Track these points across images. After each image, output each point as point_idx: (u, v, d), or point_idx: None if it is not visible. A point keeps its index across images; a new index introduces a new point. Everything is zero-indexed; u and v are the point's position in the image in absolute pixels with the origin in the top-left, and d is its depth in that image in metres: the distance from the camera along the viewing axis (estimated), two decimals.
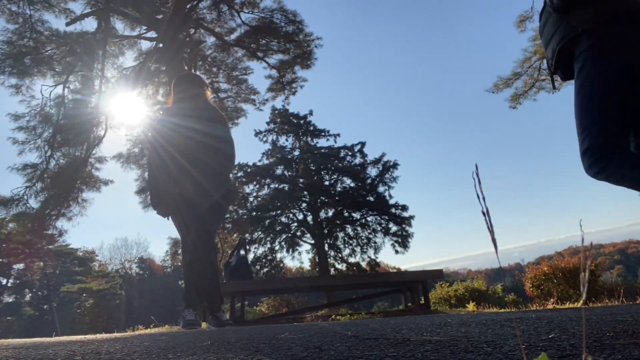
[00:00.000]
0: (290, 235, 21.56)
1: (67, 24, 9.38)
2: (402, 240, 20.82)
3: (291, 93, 12.14)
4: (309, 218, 21.93)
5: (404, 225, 21.03)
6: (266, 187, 21.72)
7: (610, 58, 1.47)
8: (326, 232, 21.56)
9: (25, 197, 9.28)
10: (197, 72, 10.91)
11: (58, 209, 9.62)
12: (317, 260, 20.98)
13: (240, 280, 4.55)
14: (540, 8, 1.73)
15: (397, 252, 20.90)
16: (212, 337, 1.48)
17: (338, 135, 23.37)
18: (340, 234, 21.93)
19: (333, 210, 22.10)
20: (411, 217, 21.01)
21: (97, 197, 26.22)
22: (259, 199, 21.29)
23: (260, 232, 21.00)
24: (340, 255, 21.56)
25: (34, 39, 9.25)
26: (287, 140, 23.45)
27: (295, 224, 21.91)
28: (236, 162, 22.82)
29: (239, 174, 21.15)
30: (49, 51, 9.53)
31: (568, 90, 9.91)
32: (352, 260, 21.41)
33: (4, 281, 31.28)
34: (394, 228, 21.26)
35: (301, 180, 22.02)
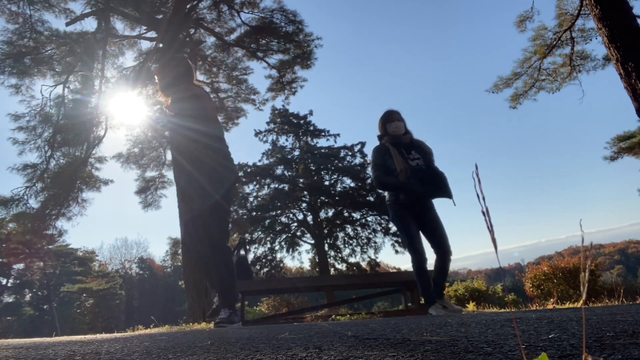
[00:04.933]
0: (290, 235, 21.56)
1: (67, 24, 9.38)
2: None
3: (291, 93, 12.15)
4: (309, 218, 21.92)
5: None
6: (266, 187, 21.73)
7: (397, 216, 3.47)
8: (326, 232, 21.55)
9: (25, 197, 9.28)
10: (197, 73, 10.90)
11: (58, 209, 9.62)
12: (317, 260, 20.98)
13: (240, 280, 4.56)
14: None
15: (397, 252, 20.93)
16: (212, 337, 1.48)
17: (338, 135, 23.40)
18: (340, 234, 21.93)
19: (333, 210, 22.10)
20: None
21: (97, 197, 26.24)
22: (259, 199, 21.29)
23: (260, 232, 21.00)
24: (340, 255, 21.56)
25: (34, 39, 9.24)
26: (287, 140, 23.48)
27: (295, 224, 21.91)
28: (236, 162, 22.86)
29: (239, 174, 21.14)
30: (49, 51, 9.53)
31: (569, 90, 9.92)
32: (352, 260, 21.42)
33: (4, 281, 31.27)
34: (394, 228, 21.25)
35: (301, 180, 22.02)
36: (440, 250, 3.33)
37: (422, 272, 3.32)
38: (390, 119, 3.57)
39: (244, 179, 21.21)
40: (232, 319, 2.74)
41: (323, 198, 21.81)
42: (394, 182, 3.37)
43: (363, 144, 22.72)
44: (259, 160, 22.46)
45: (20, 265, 31.36)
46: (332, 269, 21.01)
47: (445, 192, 3.33)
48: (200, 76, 11.49)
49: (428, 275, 3.35)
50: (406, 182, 3.32)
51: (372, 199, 21.50)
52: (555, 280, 10.33)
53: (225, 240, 2.96)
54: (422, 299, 3.51)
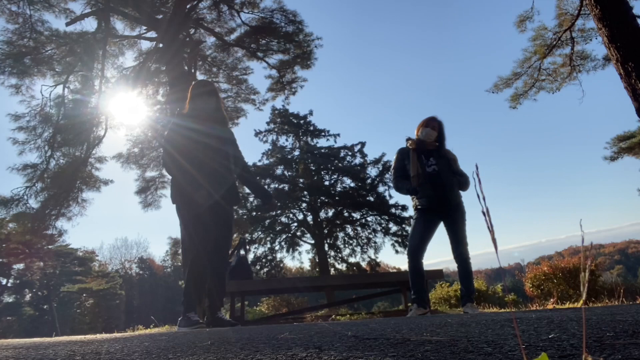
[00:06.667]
0: (290, 235, 21.55)
1: (67, 24, 9.37)
2: (402, 240, 20.83)
3: (291, 93, 12.13)
4: (309, 218, 21.91)
5: (404, 225, 21.04)
6: (266, 187, 21.71)
7: (413, 218, 3.65)
8: (326, 232, 21.55)
9: (25, 197, 9.27)
10: (197, 73, 10.91)
11: (58, 209, 9.60)
12: (317, 260, 20.98)
13: (240, 280, 4.55)
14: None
15: (397, 252, 20.93)
16: (212, 337, 1.48)
17: (338, 135, 23.40)
18: (340, 234, 21.92)
19: (333, 210, 22.09)
20: (411, 217, 20.98)
21: (97, 197, 26.22)
22: None
23: (260, 232, 21.00)
24: (340, 255, 21.55)
25: (34, 39, 9.24)
26: (287, 140, 23.47)
27: (295, 224, 21.90)
28: None
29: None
30: (49, 51, 9.52)
31: (570, 90, 9.91)
32: (352, 260, 21.42)
33: (4, 281, 31.25)
34: (394, 228, 21.26)
35: (301, 180, 22.01)
36: (456, 258, 3.50)
37: (412, 274, 3.52)
38: (426, 124, 3.67)
39: None
40: (226, 318, 2.81)
41: (323, 198, 21.80)
42: (407, 188, 3.56)
43: (363, 144, 22.73)
44: (259, 160, 22.46)
45: (20, 265, 31.34)
46: (332, 269, 21.00)
47: (445, 204, 3.48)
48: (200, 76, 11.49)
49: (420, 279, 3.50)
50: (417, 189, 3.50)
51: (372, 199, 21.50)
52: (555, 280, 10.33)
53: (228, 244, 2.99)
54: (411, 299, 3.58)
